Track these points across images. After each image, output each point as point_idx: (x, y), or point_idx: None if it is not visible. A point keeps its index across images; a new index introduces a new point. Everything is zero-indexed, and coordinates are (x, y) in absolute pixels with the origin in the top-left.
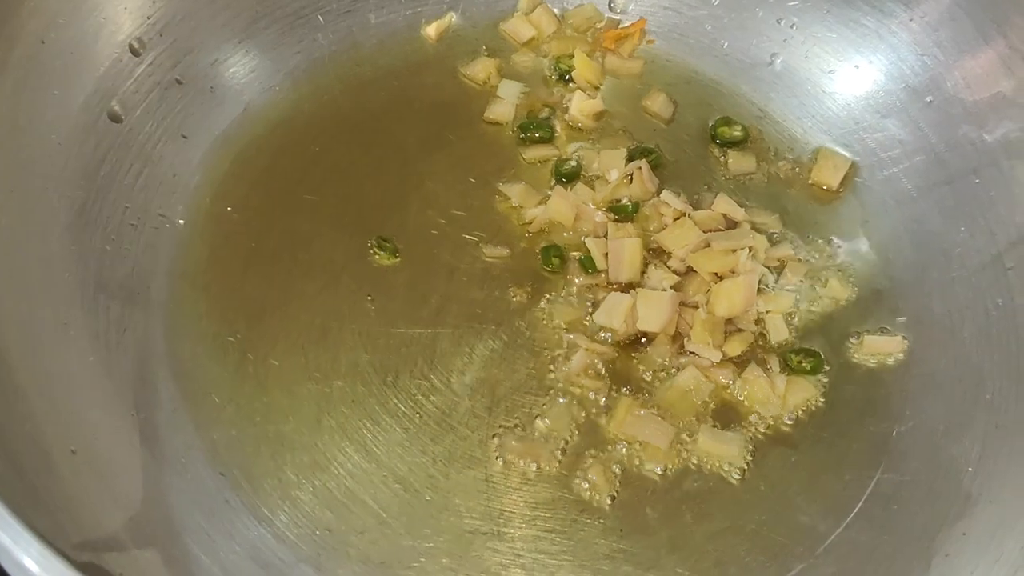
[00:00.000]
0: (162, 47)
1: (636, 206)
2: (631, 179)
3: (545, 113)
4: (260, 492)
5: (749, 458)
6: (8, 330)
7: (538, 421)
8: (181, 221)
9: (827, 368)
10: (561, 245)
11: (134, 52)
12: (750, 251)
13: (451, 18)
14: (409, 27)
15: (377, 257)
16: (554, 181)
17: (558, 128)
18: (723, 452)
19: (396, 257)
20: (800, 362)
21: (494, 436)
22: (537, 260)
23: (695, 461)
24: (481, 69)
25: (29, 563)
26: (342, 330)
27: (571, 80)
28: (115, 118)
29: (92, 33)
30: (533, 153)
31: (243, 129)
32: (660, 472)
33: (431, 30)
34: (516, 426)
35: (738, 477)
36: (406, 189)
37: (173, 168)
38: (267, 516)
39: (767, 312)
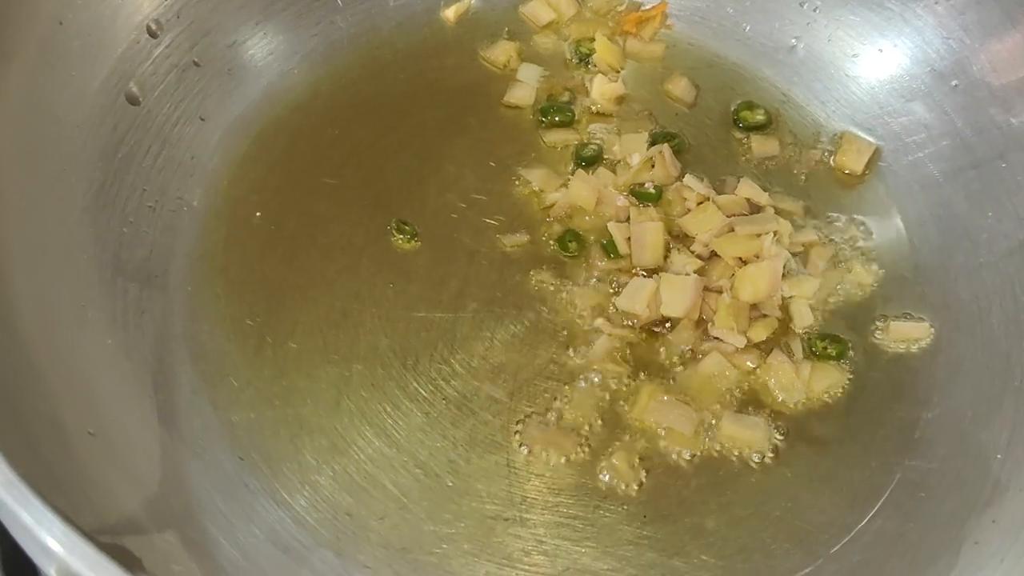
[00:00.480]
0: (179, 29)
1: (659, 191)
2: (653, 163)
3: (566, 97)
4: (279, 476)
5: (776, 442)
6: (26, 312)
7: (561, 405)
8: (199, 203)
9: (852, 354)
10: (579, 230)
11: (152, 34)
12: (774, 236)
13: (470, 1)
14: (428, 10)
15: (396, 241)
16: (574, 165)
17: (578, 112)
18: (747, 437)
19: (415, 241)
20: (825, 348)
21: (518, 423)
22: (554, 244)
23: (719, 447)
24: (501, 52)
25: (53, 544)
26: (362, 313)
27: (592, 63)
28: (133, 100)
29: (110, 14)
30: (553, 137)
31: (261, 111)
32: (685, 458)
33: (450, 13)
34: (538, 413)
35: (759, 462)
36: (425, 172)
37: (191, 150)
38: (286, 500)
39: (791, 297)
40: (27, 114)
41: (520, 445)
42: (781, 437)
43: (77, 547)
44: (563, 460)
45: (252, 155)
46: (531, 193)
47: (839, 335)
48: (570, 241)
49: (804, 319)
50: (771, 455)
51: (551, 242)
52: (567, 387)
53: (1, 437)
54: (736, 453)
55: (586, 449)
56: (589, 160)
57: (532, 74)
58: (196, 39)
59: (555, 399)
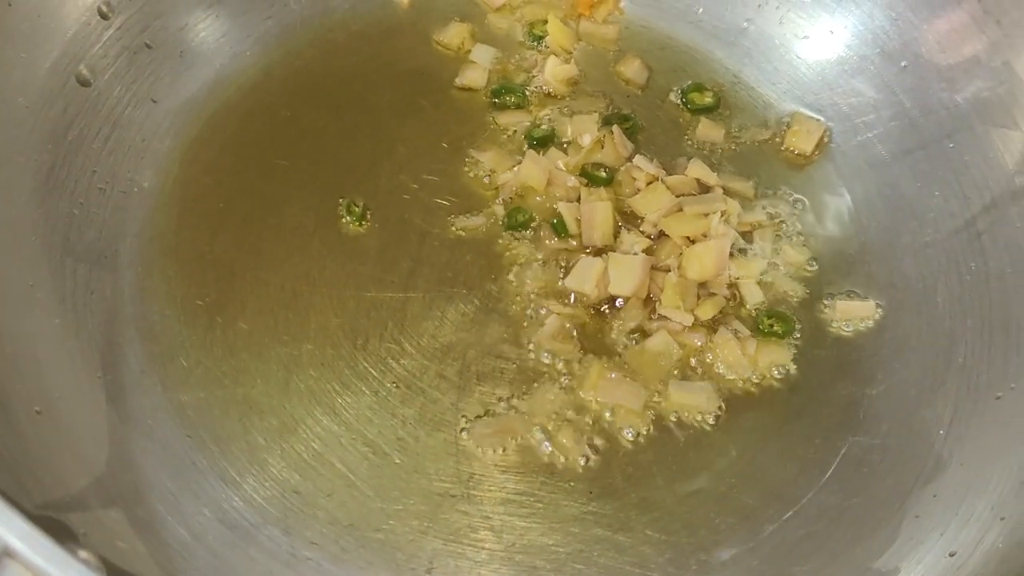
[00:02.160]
0: (131, 11)
1: (611, 174)
2: (603, 144)
3: (519, 79)
4: (228, 455)
5: (722, 405)
6: None
7: (510, 394)
8: (149, 185)
9: (798, 331)
10: (529, 210)
11: (103, 16)
12: (722, 215)
13: None
14: None
15: (344, 222)
16: (527, 146)
17: (531, 94)
18: (694, 402)
19: (364, 223)
20: (772, 325)
21: (462, 431)
22: (504, 223)
23: (672, 417)
24: (455, 35)
25: None
26: (312, 294)
27: (545, 45)
28: (83, 82)
29: None
30: (506, 119)
31: (213, 94)
32: (631, 436)
33: None
34: (487, 413)
35: (712, 424)
36: (378, 154)
37: (142, 133)
38: (235, 479)
39: (739, 277)
40: None
41: (477, 447)
42: (727, 411)
43: (10, 521)
44: (513, 442)
45: (204, 137)
46: (483, 173)
47: (785, 312)
48: (520, 216)
49: (754, 297)
50: (719, 414)
51: (500, 221)
52: (514, 367)
53: None
54: (687, 419)
55: (534, 430)
56: (541, 140)
57: (486, 55)
58: (148, 21)
59: (503, 389)
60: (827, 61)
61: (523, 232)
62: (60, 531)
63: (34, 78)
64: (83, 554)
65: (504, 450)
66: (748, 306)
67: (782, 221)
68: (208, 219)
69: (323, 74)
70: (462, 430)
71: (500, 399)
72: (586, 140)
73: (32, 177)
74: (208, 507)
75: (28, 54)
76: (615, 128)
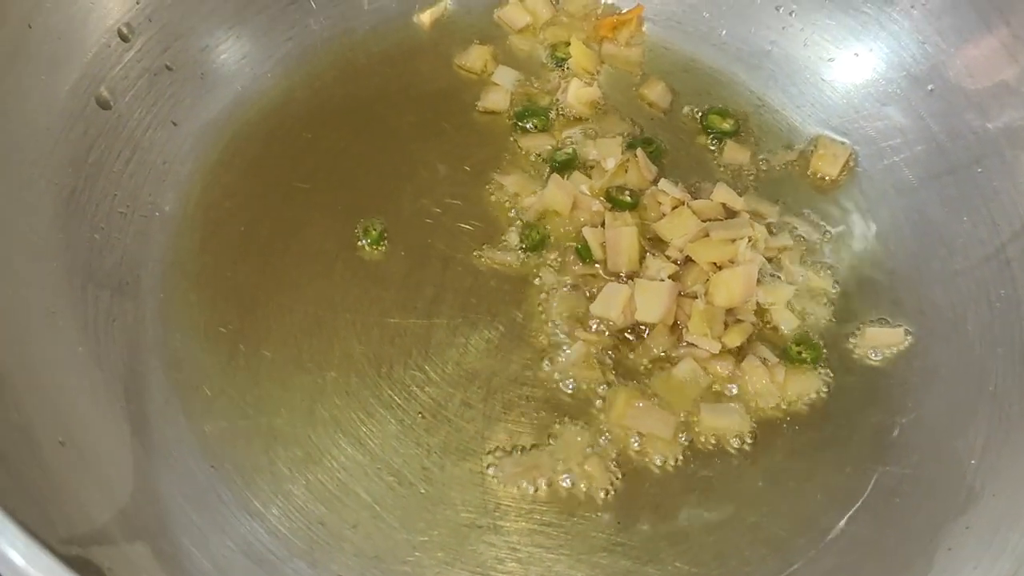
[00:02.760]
0: (151, 33)
1: (636, 199)
2: (627, 168)
3: (544, 102)
4: (252, 486)
5: (755, 426)
6: None
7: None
8: (171, 209)
9: (826, 359)
10: (543, 226)
11: (123, 38)
12: (749, 240)
13: (445, 5)
14: (403, 13)
15: (361, 247)
16: (549, 169)
17: (554, 117)
18: (726, 424)
19: (380, 246)
20: (800, 352)
21: (489, 467)
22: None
23: (701, 444)
24: (477, 58)
25: (14, 556)
26: (335, 320)
27: (567, 68)
28: (104, 104)
29: (80, 18)
30: (528, 142)
31: (234, 116)
32: (658, 464)
33: (425, 17)
34: (514, 449)
35: (741, 454)
36: (400, 177)
37: (163, 155)
38: (259, 510)
39: (770, 304)
40: None
41: (500, 483)
42: (756, 441)
43: (40, 561)
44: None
45: (225, 160)
46: (506, 198)
47: (814, 340)
48: (535, 235)
49: (788, 324)
50: (750, 442)
51: (518, 244)
52: (543, 403)
53: None
54: (714, 445)
55: (560, 464)
56: (564, 164)
57: (508, 78)
58: (168, 43)
59: (529, 418)
60: (852, 84)
61: (541, 252)
62: (86, 569)
63: (54, 100)
64: None
65: (534, 488)
66: (784, 331)
67: (807, 246)
68: (230, 244)
69: (344, 96)
70: (489, 466)
71: (525, 429)
72: (610, 164)
73: (53, 201)
74: (233, 540)
75: (48, 76)
76: (639, 151)
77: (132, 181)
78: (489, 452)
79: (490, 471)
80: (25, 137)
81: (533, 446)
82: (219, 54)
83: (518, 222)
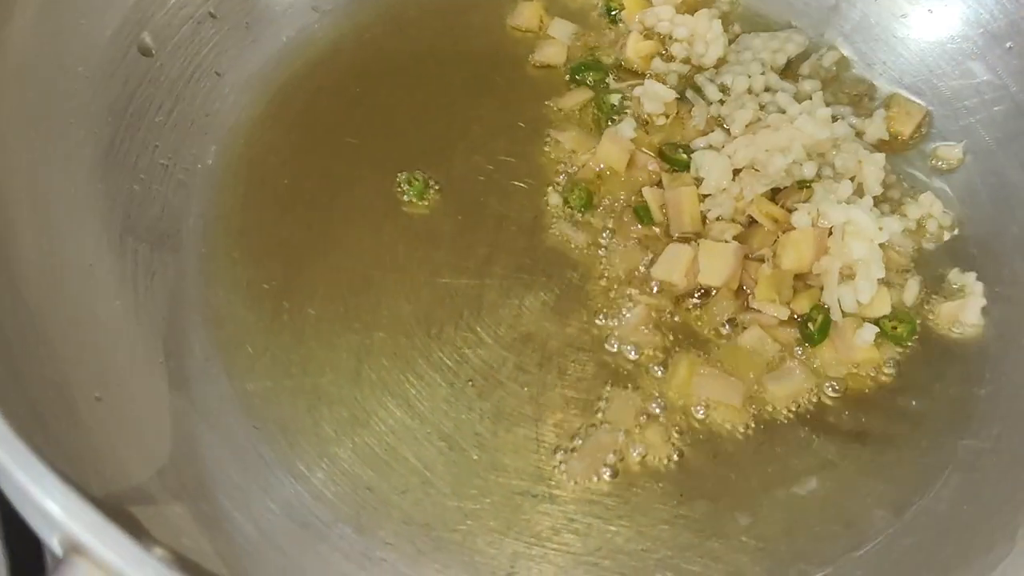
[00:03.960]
0: None
1: (689, 160)
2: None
3: (603, 55)
4: (296, 447)
5: (834, 386)
6: (31, 271)
7: (599, 414)
8: (214, 162)
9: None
10: (585, 188)
11: None
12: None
13: None
14: None
15: (403, 199)
16: (598, 113)
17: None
18: (793, 389)
19: (425, 198)
20: (895, 328)
21: (557, 465)
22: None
23: (770, 410)
24: (531, 15)
25: (54, 508)
26: (384, 279)
27: (620, 20)
28: (146, 52)
29: None
30: (572, 100)
31: (280, 68)
32: (725, 433)
33: None
34: (575, 435)
35: (811, 427)
36: (452, 134)
37: (206, 107)
38: (303, 473)
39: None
40: (33, 63)
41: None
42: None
43: (80, 512)
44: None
45: (270, 113)
46: (563, 154)
47: (908, 314)
48: (578, 190)
49: (866, 293)
50: (820, 409)
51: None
52: (600, 368)
53: (4, 399)
54: (783, 415)
55: (621, 435)
56: (611, 110)
57: (565, 31)
58: None
59: (586, 384)
60: (926, 41)
61: (583, 214)
62: (131, 523)
63: (95, 47)
64: (159, 551)
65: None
66: (908, 304)
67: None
68: (274, 199)
69: (394, 49)
70: (555, 467)
71: (581, 395)
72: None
73: (91, 151)
74: (276, 502)
75: (89, 21)
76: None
77: (174, 133)
78: (554, 449)
79: (559, 468)
80: (65, 83)
81: (591, 426)
82: (265, 2)
83: (557, 181)
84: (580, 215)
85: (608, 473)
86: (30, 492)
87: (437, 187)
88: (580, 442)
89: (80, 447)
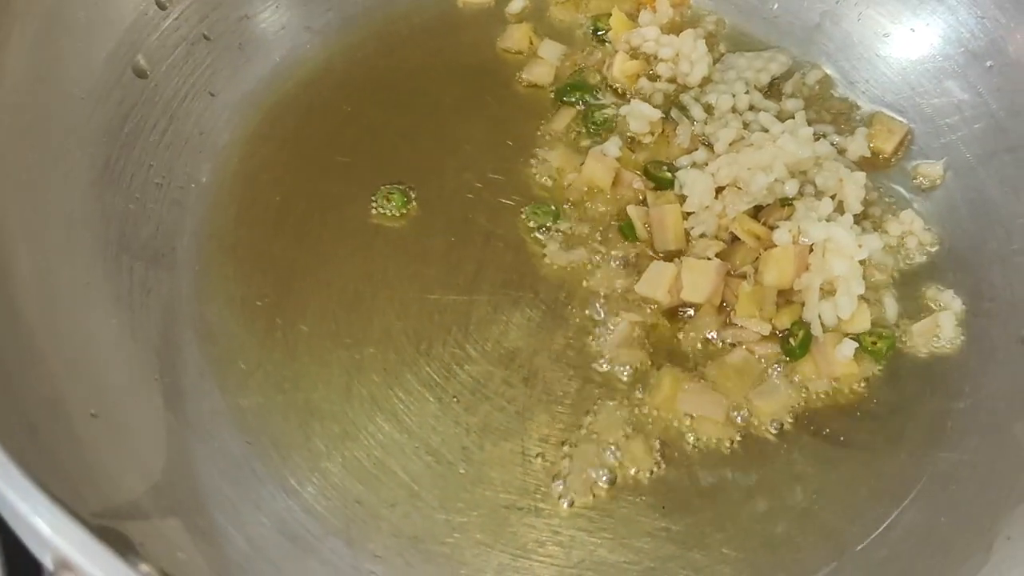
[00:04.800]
0: (189, 1)
1: (673, 178)
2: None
3: (589, 76)
4: (288, 462)
5: (803, 407)
6: (27, 289)
7: (582, 430)
8: (207, 180)
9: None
10: (551, 205)
11: (160, 5)
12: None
13: None
14: None
15: (385, 212)
16: (584, 132)
17: (599, 92)
18: (776, 405)
19: (404, 210)
20: (874, 343)
21: (574, 454)
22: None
23: (754, 424)
24: (520, 37)
25: (43, 527)
26: (375, 296)
27: (607, 40)
28: (140, 73)
29: None
30: (562, 121)
31: (272, 87)
32: (708, 447)
33: None
34: (562, 450)
35: (791, 439)
36: (441, 151)
37: (200, 126)
38: (295, 487)
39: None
40: (31, 85)
41: (561, 500)
42: (807, 423)
43: (68, 530)
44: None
45: (263, 132)
46: (549, 173)
47: (887, 331)
48: (539, 216)
49: (847, 308)
50: (797, 425)
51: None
52: (585, 383)
53: None
54: (764, 429)
55: (607, 449)
56: (600, 125)
57: (554, 52)
58: (206, 11)
59: (571, 399)
60: (908, 60)
61: (547, 232)
62: (118, 541)
63: (91, 69)
64: (144, 567)
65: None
66: (889, 317)
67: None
68: (267, 217)
69: (385, 68)
70: (560, 497)
71: (567, 410)
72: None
73: (88, 171)
74: (268, 517)
75: (85, 44)
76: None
77: (168, 152)
78: (551, 475)
79: (556, 486)
80: (61, 105)
81: (576, 440)
82: (258, 23)
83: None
84: (548, 231)
85: (601, 486)
86: (20, 511)
87: (415, 197)
88: (567, 459)
89: (75, 463)
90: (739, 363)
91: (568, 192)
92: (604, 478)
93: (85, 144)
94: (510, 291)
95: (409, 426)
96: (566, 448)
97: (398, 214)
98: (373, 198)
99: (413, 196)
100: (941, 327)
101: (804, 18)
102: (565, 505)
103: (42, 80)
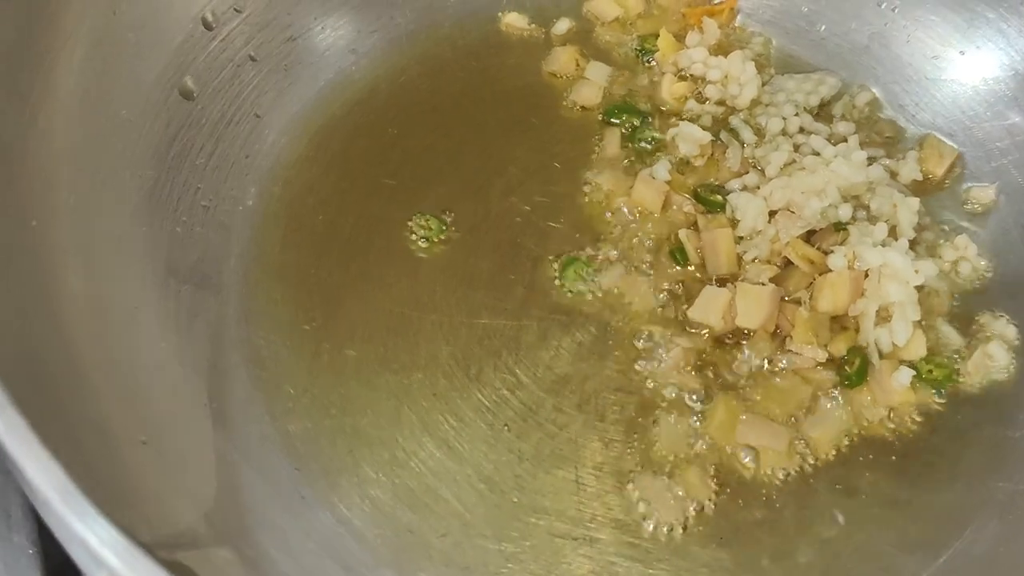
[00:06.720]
0: (236, 22)
1: (724, 201)
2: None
3: (637, 98)
4: (337, 488)
5: (859, 434)
6: (76, 314)
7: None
8: (253, 203)
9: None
10: (647, 236)
11: (207, 26)
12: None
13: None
14: (488, 7)
15: (415, 238)
16: (633, 155)
17: (648, 114)
18: (830, 433)
19: (442, 236)
20: (931, 371)
21: (629, 483)
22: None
23: (809, 453)
24: (567, 60)
25: (111, 558)
26: (422, 320)
27: (653, 61)
28: (187, 95)
29: (165, 5)
30: (614, 146)
31: (318, 110)
32: (760, 476)
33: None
34: (618, 470)
35: (847, 467)
36: (488, 174)
37: (246, 148)
38: (345, 514)
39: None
40: (79, 108)
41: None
42: (860, 455)
43: (137, 562)
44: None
45: (308, 154)
46: (599, 196)
47: (945, 360)
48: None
49: (902, 334)
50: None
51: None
52: (638, 409)
53: (53, 446)
54: (820, 457)
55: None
56: (643, 140)
57: (601, 73)
58: (252, 33)
59: (624, 426)
60: (958, 83)
61: (584, 278)
62: (182, 572)
63: (139, 90)
64: None
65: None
66: (896, 344)
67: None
68: (313, 240)
69: (430, 90)
70: (616, 527)
71: (619, 437)
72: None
73: (136, 193)
74: (318, 543)
75: (133, 65)
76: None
77: (215, 174)
78: (609, 506)
79: (648, 521)
80: (108, 126)
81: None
82: (304, 45)
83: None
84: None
85: (657, 516)
86: (87, 542)
87: (450, 223)
88: (622, 488)
89: (126, 492)
90: (785, 386)
91: (616, 216)
92: (660, 508)
93: (133, 167)
94: (560, 316)
95: (460, 453)
96: (620, 477)
97: (436, 240)
98: (409, 223)
99: (449, 221)
100: (995, 355)
101: (852, 40)
102: (621, 535)
103: (91, 101)
